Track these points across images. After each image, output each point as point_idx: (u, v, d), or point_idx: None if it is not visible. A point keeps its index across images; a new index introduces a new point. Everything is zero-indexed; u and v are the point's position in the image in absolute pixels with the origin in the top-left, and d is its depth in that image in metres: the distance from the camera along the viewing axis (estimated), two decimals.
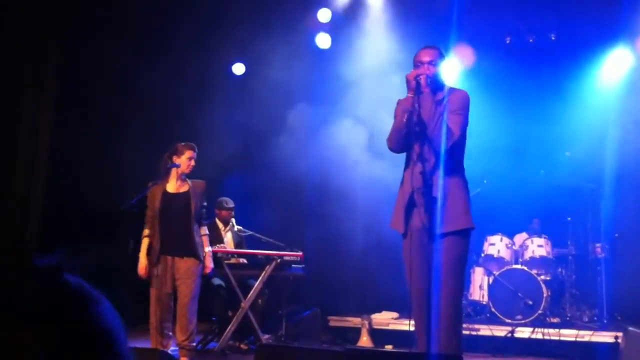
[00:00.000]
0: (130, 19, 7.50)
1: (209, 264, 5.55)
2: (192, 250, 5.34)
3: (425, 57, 3.99)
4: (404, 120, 3.82)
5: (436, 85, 3.94)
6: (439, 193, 3.80)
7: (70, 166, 7.18)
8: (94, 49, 7.25)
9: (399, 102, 4.08)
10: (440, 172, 3.85)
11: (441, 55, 4.07)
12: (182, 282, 5.32)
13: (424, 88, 3.82)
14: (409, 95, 3.86)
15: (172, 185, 5.47)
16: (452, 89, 4.05)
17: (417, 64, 4.00)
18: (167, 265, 5.33)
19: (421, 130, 3.82)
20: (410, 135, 3.88)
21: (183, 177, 5.50)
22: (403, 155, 4.11)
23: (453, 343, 3.84)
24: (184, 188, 5.47)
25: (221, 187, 7.61)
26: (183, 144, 5.49)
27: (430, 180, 3.78)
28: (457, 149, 3.93)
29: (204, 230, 5.59)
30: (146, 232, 5.44)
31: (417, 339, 4.00)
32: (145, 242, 5.41)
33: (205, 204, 5.63)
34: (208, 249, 5.59)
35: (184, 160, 5.42)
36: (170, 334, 5.44)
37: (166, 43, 7.86)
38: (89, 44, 7.27)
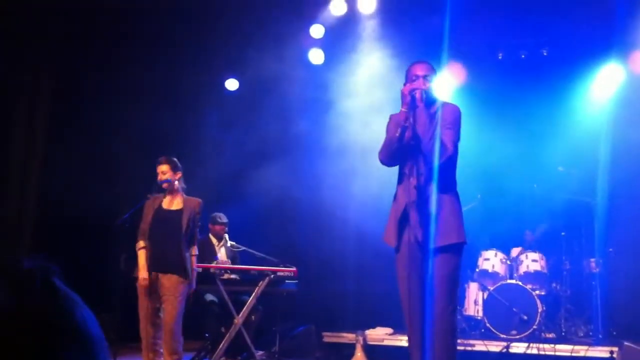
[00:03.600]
0: (130, 33, 7.53)
1: (193, 284, 5.43)
2: (178, 268, 5.25)
3: (420, 71, 3.98)
4: (397, 134, 3.82)
5: (429, 99, 3.95)
6: (432, 207, 3.79)
7: (63, 179, 7.14)
8: (90, 62, 7.27)
9: (391, 117, 4.07)
10: (434, 186, 3.84)
11: (434, 70, 4.08)
12: (166, 299, 5.23)
13: (419, 102, 3.82)
14: (403, 109, 3.86)
15: (166, 202, 5.43)
16: (444, 103, 4.06)
17: (412, 78, 3.98)
18: (152, 281, 5.27)
19: (416, 145, 3.82)
20: (404, 149, 3.87)
21: (178, 193, 5.44)
22: (396, 170, 4.10)
23: (447, 359, 3.81)
24: (178, 205, 5.42)
25: (216, 203, 7.57)
26: None
27: (425, 194, 3.77)
28: (450, 163, 3.93)
29: (194, 250, 5.47)
30: (141, 244, 5.32)
31: (410, 355, 3.96)
32: (142, 254, 5.28)
33: (199, 223, 5.54)
34: (195, 268, 5.47)
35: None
36: (162, 350, 5.37)
37: (161, 58, 7.87)
38: (84, 57, 7.28)
